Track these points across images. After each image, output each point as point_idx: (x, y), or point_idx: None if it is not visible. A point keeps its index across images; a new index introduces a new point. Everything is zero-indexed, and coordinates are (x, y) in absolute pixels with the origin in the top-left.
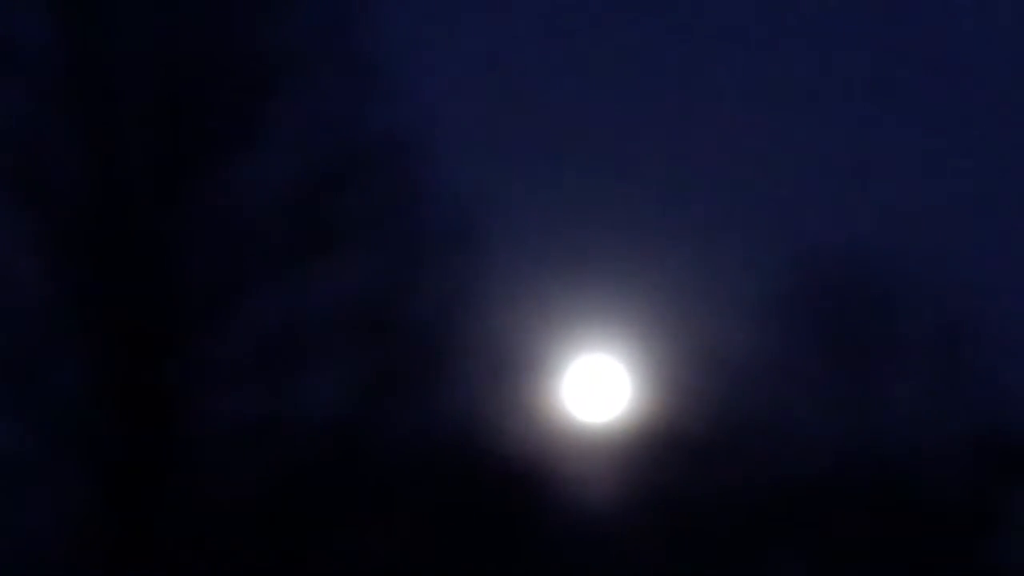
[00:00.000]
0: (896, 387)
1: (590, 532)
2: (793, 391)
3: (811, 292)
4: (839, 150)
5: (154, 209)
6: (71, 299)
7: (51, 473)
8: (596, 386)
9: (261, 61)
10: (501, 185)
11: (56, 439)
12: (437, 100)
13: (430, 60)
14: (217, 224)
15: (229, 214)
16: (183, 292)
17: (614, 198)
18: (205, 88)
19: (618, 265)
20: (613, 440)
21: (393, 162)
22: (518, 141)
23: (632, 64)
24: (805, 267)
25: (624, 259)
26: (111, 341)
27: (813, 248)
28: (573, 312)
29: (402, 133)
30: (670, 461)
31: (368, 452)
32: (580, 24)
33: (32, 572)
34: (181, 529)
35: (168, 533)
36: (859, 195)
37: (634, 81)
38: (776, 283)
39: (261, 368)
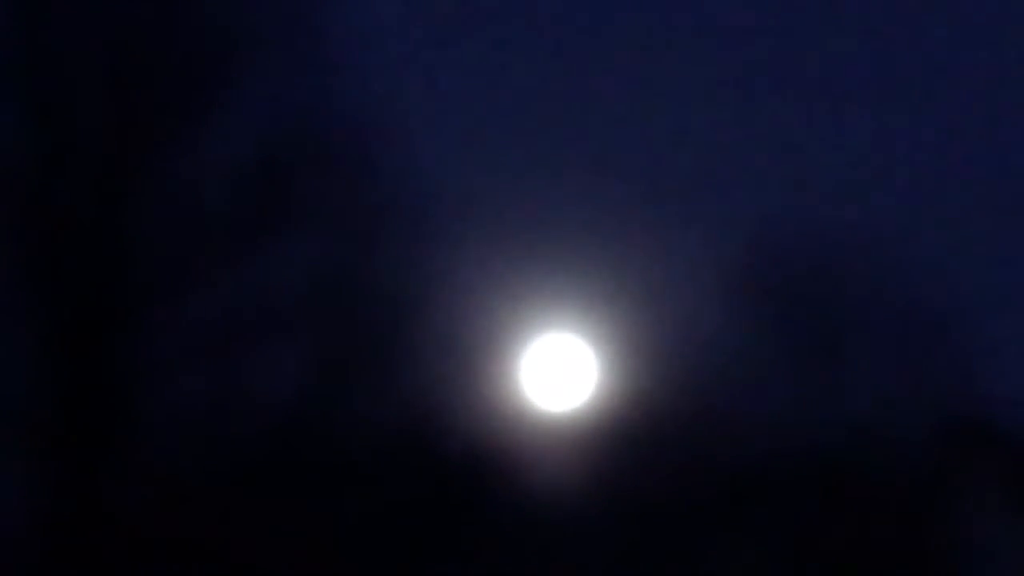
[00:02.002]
0: (860, 372)
1: (547, 523)
2: (755, 372)
3: (772, 271)
4: (809, 133)
5: (105, 187)
6: (18, 279)
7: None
8: (558, 369)
9: (218, 38)
10: (460, 165)
11: (9, 422)
12: (397, 80)
13: (391, 38)
14: (169, 203)
15: (182, 193)
16: (135, 271)
17: (576, 177)
18: (157, 65)
19: (579, 244)
20: (576, 428)
21: (350, 143)
22: (478, 122)
23: (592, 51)
24: (771, 248)
25: (585, 238)
26: (61, 320)
27: (778, 229)
28: (532, 291)
29: (360, 113)
30: (633, 449)
31: (320, 434)
32: (544, 8)
33: None
34: (133, 507)
35: (119, 511)
36: (826, 178)
37: (594, 68)
38: (742, 262)
39: (213, 348)
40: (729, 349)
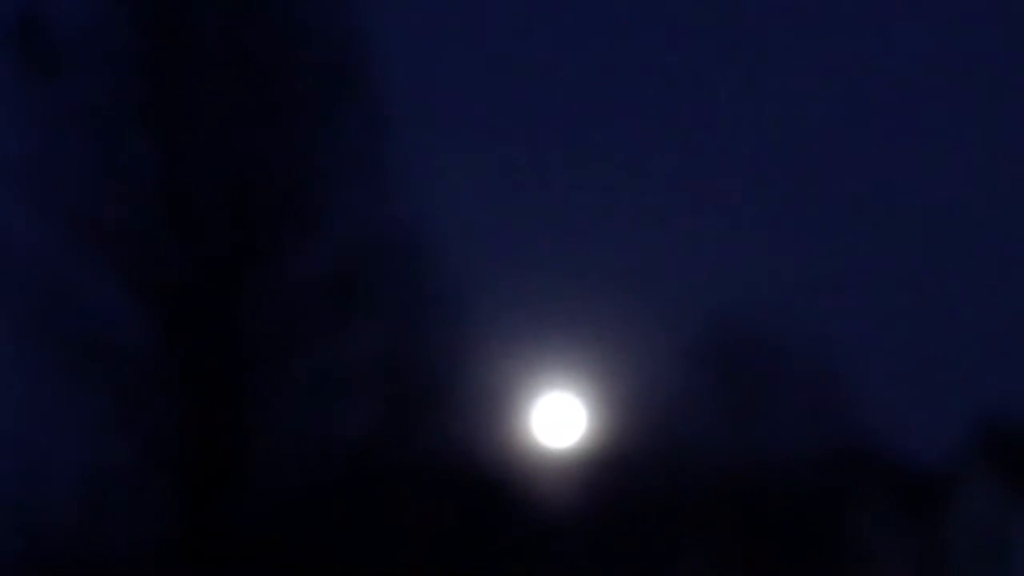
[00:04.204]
0: (778, 414)
1: (553, 532)
2: (703, 418)
3: (716, 341)
4: (739, 232)
5: (229, 282)
6: (166, 349)
7: (147, 483)
8: (558, 417)
9: (308, 174)
10: (488, 268)
11: (151, 456)
12: (440, 202)
13: (439, 170)
14: (275, 294)
15: (285, 286)
16: (252, 344)
17: (573, 282)
18: (267, 194)
19: (575, 326)
20: (571, 461)
21: (407, 254)
22: (501, 238)
23: (590, 157)
24: (712, 323)
25: (580, 322)
26: (196, 380)
27: (718, 308)
28: (540, 360)
29: (413, 227)
30: (615, 475)
31: (388, 463)
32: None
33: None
34: (250, 520)
35: (241, 523)
36: (751, 283)
37: (592, 185)
38: (690, 334)
39: (310, 400)
40: (682, 403)
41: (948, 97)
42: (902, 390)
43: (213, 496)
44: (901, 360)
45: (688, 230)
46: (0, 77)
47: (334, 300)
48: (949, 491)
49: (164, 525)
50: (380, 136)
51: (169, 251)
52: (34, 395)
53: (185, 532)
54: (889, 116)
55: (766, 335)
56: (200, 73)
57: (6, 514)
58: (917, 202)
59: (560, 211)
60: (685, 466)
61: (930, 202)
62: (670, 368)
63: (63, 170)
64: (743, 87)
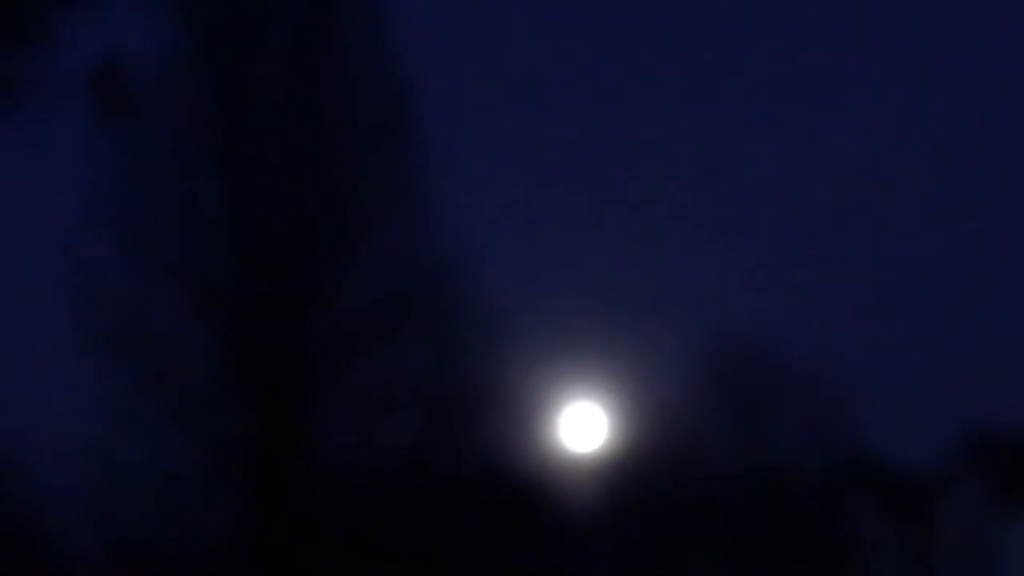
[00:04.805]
0: (780, 424)
1: (578, 528)
2: (710, 427)
3: (723, 357)
4: (747, 255)
5: (293, 307)
6: (236, 366)
7: (215, 485)
8: (583, 424)
9: (362, 208)
10: (520, 291)
11: (218, 459)
12: (475, 238)
13: (479, 202)
14: (333, 317)
15: (341, 310)
16: (312, 361)
17: (597, 302)
18: (325, 226)
19: (599, 342)
20: (595, 463)
21: (447, 281)
22: (531, 260)
23: (612, 185)
24: (720, 348)
25: (603, 338)
26: (263, 393)
27: (726, 325)
28: (566, 373)
29: (455, 258)
30: (633, 479)
31: (431, 471)
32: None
33: (194, 567)
34: (312, 513)
35: (304, 514)
36: (757, 304)
37: (616, 205)
38: (700, 351)
39: (363, 411)
40: (692, 413)
41: (949, 117)
42: (896, 402)
43: (278, 497)
44: (895, 374)
45: (700, 252)
46: (81, 117)
47: (385, 322)
48: (939, 496)
49: (232, 524)
50: (425, 175)
51: (236, 275)
52: (113, 404)
53: (249, 527)
54: (891, 134)
55: (769, 350)
56: (263, 113)
57: (85, 514)
58: (912, 221)
59: (586, 234)
60: (693, 468)
61: (924, 220)
62: (683, 380)
63: (138, 203)
64: (753, 106)
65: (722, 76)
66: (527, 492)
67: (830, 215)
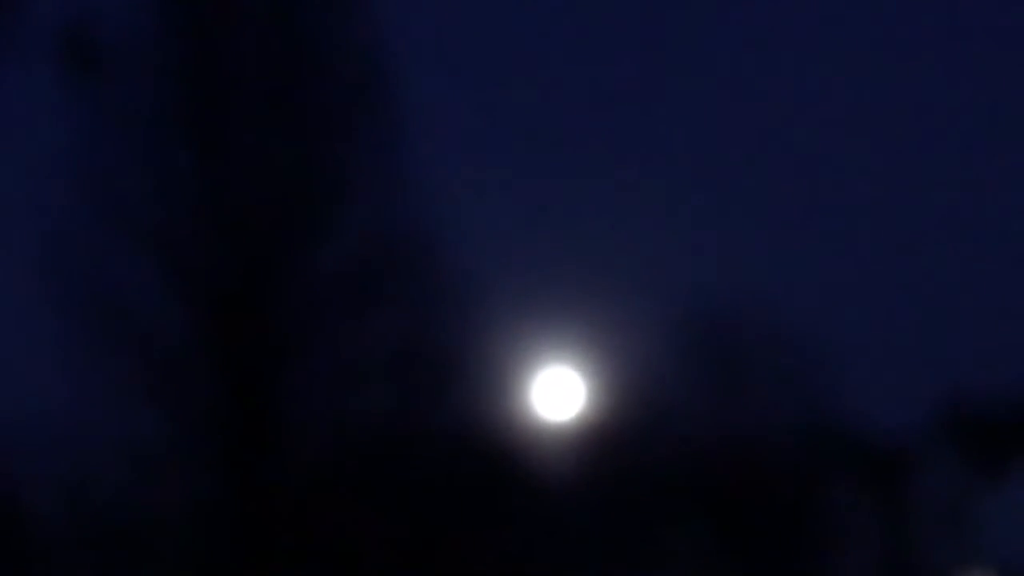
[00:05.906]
0: (756, 391)
1: (551, 498)
2: (686, 393)
3: (700, 323)
4: (727, 236)
5: (264, 275)
6: (207, 334)
7: (187, 457)
8: (558, 391)
9: (333, 178)
10: (492, 257)
11: (191, 430)
12: (448, 197)
13: (452, 169)
14: (305, 285)
15: (313, 278)
16: (284, 329)
17: (571, 266)
18: (295, 195)
19: (574, 306)
20: (570, 431)
21: (422, 250)
22: (504, 223)
23: (588, 148)
24: (698, 313)
25: (578, 302)
26: (235, 362)
27: (702, 290)
28: (541, 337)
29: (428, 226)
30: (609, 445)
31: (401, 438)
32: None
33: (167, 538)
34: (283, 492)
35: (274, 492)
36: (736, 268)
37: (593, 167)
38: (677, 314)
39: (335, 382)
40: (670, 379)
41: (928, 91)
42: (873, 371)
43: (249, 465)
44: (873, 343)
45: (678, 216)
46: (48, 81)
47: (358, 290)
48: (916, 465)
49: (205, 495)
50: (397, 143)
51: (208, 245)
52: (84, 375)
53: (222, 498)
54: (872, 108)
55: (745, 316)
56: (235, 81)
57: (56, 487)
58: (889, 189)
59: (559, 200)
60: (670, 436)
61: (901, 188)
62: (659, 345)
63: (108, 169)
64: (733, 76)
65: (691, 44)
66: (499, 459)
67: (808, 182)
